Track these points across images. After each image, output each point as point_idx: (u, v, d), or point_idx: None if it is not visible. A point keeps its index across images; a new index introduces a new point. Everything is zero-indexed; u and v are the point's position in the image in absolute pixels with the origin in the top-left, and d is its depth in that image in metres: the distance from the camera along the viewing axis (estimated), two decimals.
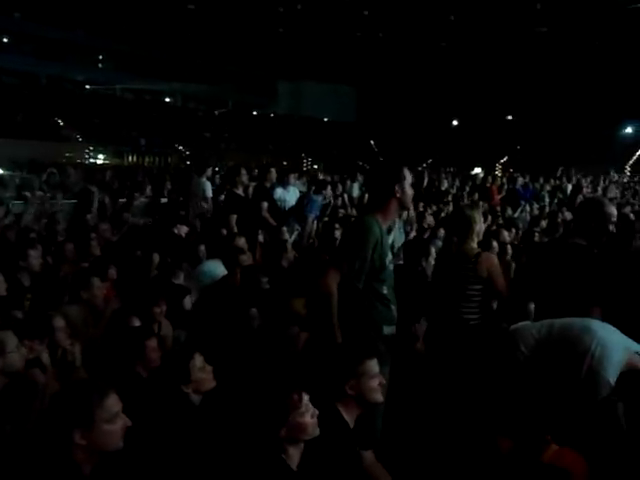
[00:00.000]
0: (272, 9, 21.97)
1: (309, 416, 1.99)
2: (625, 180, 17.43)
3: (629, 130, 28.11)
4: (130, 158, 26.82)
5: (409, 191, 2.84)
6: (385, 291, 2.76)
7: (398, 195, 2.78)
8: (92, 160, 25.02)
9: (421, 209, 8.86)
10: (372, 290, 2.73)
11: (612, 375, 2.36)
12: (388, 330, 2.77)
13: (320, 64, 29.41)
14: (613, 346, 2.42)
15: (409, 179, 2.83)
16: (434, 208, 9.39)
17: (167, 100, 33.05)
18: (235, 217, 6.41)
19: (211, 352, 2.71)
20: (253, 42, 26.92)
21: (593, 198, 4.00)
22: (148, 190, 10.50)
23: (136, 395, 2.40)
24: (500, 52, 25.11)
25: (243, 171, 6.84)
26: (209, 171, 8.46)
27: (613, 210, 3.10)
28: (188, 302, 4.14)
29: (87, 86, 29.97)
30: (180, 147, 27.41)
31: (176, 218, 6.77)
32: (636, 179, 17.05)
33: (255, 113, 34.89)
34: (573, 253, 2.97)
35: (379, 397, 2.27)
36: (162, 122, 28.53)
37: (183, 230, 6.05)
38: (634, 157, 25.07)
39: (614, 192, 13.73)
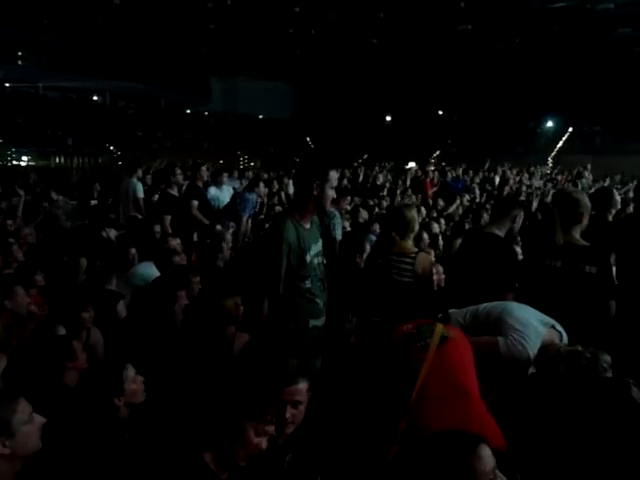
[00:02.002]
0: (201, 4, 21.55)
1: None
2: (548, 172, 18.37)
3: (550, 124, 29.68)
4: (57, 159, 25.67)
5: (329, 193, 2.80)
6: (308, 285, 2.79)
7: (315, 193, 2.78)
8: (15, 162, 23.77)
9: (356, 203, 9.02)
10: (293, 287, 2.76)
11: (533, 348, 2.53)
12: (315, 323, 2.81)
13: (254, 61, 29.21)
14: (531, 322, 2.59)
15: (332, 181, 2.80)
16: (370, 203, 9.56)
17: (95, 98, 31.79)
18: (169, 218, 6.29)
19: (142, 361, 2.64)
20: (184, 38, 26.35)
21: (508, 196, 4.33)
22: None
23: (63, 407, 2.33)
24: (428, 49, 25.84)
25: (178, 170, 6.71)
26: (140, 171, 8.24)
27: (520, 213, 3.38)
28: (122, 308, 4.02)
29: (7, 84, 28.36)
30: (111, 147, 26.48)
31: (106, 221, 6.55)
32: (556, 171, 17.99)
33: (188, 111, 34.22)
34: (488, 242, 3.15)
35: None
36: (90, 121, 27.45)
37: (112, 233, 5.87)
38: (555, 149, 26.47)
39: (538, 183, 14.47)
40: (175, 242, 4.96)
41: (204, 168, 6.89)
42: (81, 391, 2.58)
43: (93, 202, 9.45)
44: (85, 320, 3.27)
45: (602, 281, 2.88)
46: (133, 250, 4.69)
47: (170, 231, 5.97)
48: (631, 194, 8.30)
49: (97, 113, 29.20)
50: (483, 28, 22.79)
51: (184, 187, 7.11)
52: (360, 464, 2.19)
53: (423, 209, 8.19)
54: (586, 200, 3.04)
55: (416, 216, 3.62)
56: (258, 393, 2.08)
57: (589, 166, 15.17)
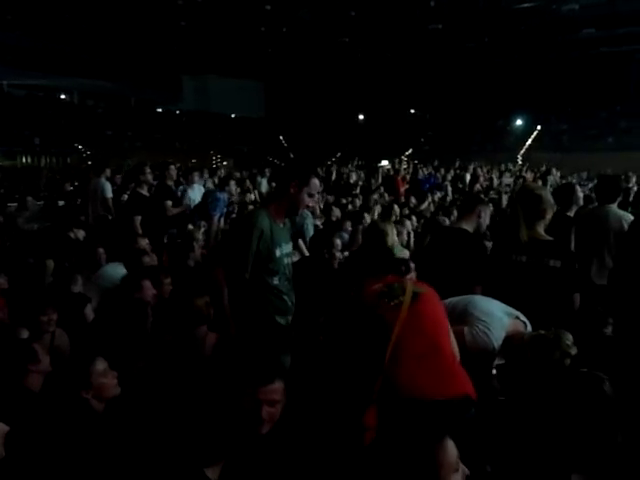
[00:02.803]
0: (172, 1, 21.28)
1: None
2: (517, 169, 18.69)
3: (519, 122, 30.22)
4: (24, 159, 25.08)
5: (305, 197, 2.81)
6: (276, 282, 2.79)
7: (292, 191, 2.79)
8: None
9: (329, 201, 9.06)
10: (261, 281, 2.76)
11: (497, 339, 2.58)
12: (282, 320, 2.81)
13: (225, 59, 28.97)
14: (495, 313, 2.65)
15: (312, 188, 2.81)
16: (343, 201, 9.61)
17: (63, 97, 31.07)
18: (139, 218, 6.19)
19: (115, 357, 2.61)
20: (154, 36, 25.97)
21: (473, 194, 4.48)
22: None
23: (26, 413, 2.28)
24: (400, 48, 26.04)
25: (147, 169, 6.60)
26: (108, 171, 8.11)
27: (485, 208, 3.45)
28: (90, 311, 3.95)
29: None
30: (80, 147, 25.96)
31: (73, 222, 6.42)
32: (525, 168, 18.31)
33: (159, 110, 33.76)
34: (458, 237, 3.21)
35: None
36: (58, 120, 26.86)
37: (80, 234, 5.76)
38: (524, 147, 26.94)
39: (508, 180, 14.73)
40: (144, 242, 4.89)
41: (173, 167, 6.80)
42: (46, 393, 2.53)
43: (61, 203, 9.27)
44: (45, 324, 3.17)
45: (566, 275, 2.95)
46: (101, 250, 4.62)
47: (140, 231, 5.88)
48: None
49: (65, 112, 28.58)
50: (453, 27, 23.08)
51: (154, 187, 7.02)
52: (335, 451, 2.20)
53: (396, 207, 8.26)
54: (549, 196, 3.11)
55: (391, 230, 3.69)
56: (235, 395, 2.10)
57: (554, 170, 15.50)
